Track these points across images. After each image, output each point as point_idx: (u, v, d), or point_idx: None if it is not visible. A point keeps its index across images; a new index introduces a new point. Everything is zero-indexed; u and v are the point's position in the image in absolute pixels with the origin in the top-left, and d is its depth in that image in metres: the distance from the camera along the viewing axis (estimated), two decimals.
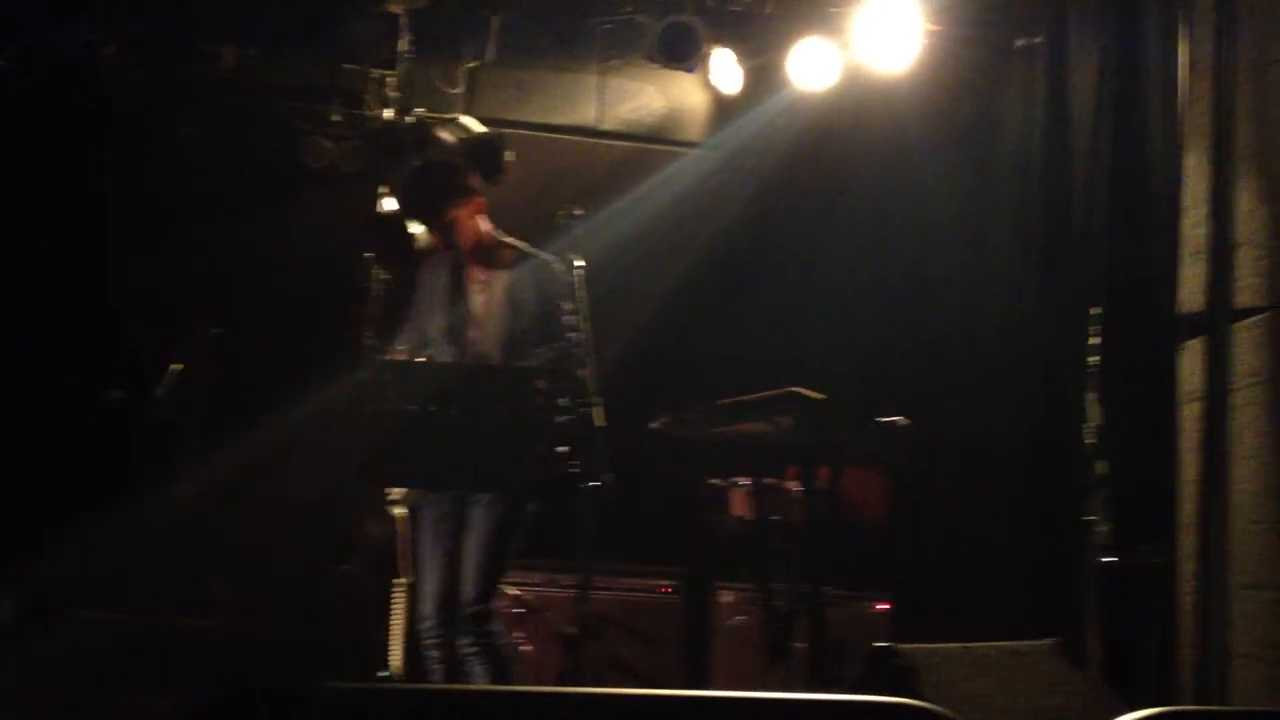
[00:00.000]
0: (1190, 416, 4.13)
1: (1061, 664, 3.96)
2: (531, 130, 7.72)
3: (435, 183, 5.04)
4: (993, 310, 6.03)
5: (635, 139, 7.84)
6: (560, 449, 4.00)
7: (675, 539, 6.60)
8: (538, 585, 6.32)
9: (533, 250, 5.02)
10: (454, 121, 7.50)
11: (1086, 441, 5.40)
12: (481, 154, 7.36)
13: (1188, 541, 4.08)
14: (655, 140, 7.85)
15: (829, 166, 7.34)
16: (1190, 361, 4.14)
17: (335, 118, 7.36)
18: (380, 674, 4.98)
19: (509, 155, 7.30)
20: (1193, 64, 4.22)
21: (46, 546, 6.30)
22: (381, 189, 7.42)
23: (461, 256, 5.12)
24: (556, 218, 4.66)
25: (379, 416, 3.97)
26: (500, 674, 4.82)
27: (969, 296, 6.17)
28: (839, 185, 7.32)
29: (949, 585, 6.06)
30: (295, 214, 7.25)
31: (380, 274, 7.35)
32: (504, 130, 7.53)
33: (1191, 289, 4.15)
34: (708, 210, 7.49)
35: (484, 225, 5.12)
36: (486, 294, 5.07)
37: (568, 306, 4.60)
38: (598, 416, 4.14)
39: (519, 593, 6.24)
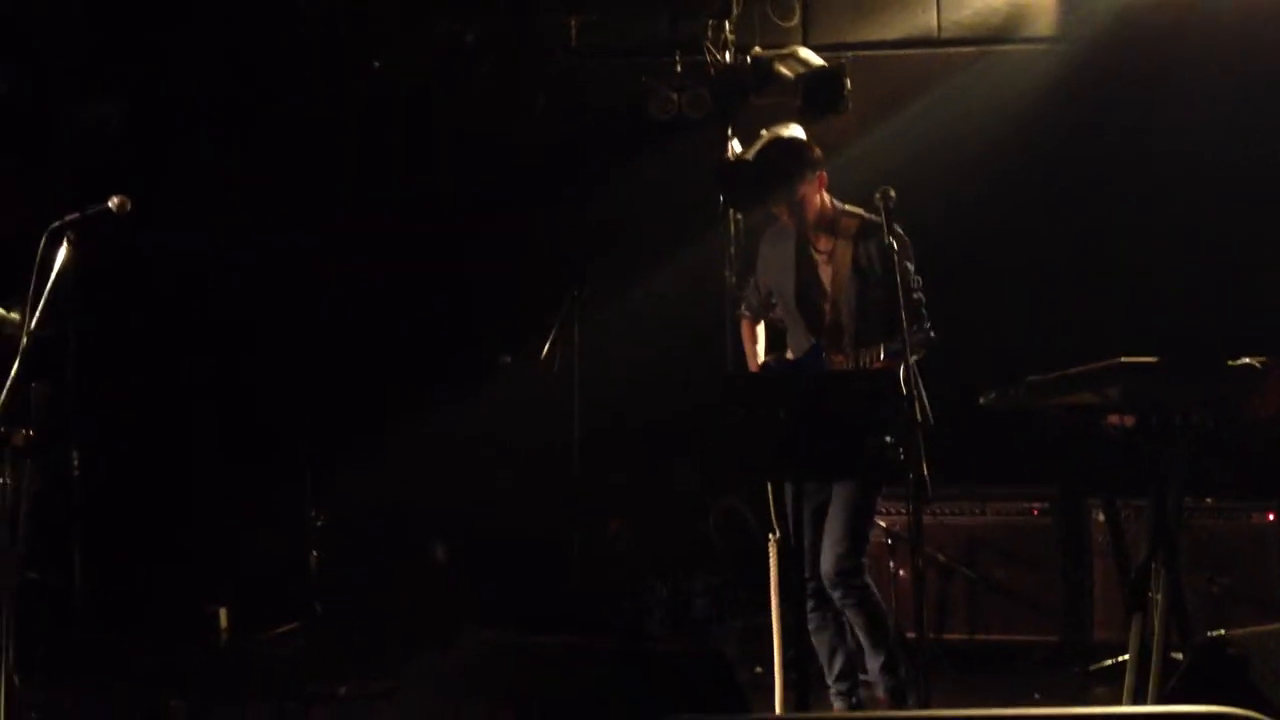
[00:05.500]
0: None
1: None
2: (870, 50, 7.68)
3: (784, 161, 5.20)
4: None
5: (978, 42, 7.65)
6: (887, 439, 4.16)
7: (1048, 457, 6.55)
8: (905, 513, 6.49)
9: (872, 217, 5.08)
10: (792, 55, 7.57)
11: None
12: (822, 88, 7.41)
13: None
14: (999, 41, 7.63)
15: (1180, 59, 6.95)
16: None
17: (677, 69, 7.59)
18: None
19: (848, 85, 7.33)
20: None
21: None
22: (729, 133, 7.65)
23: (805, 227, 5.27)
24: (874, 200, 4.74)
25: (728, 426, 4.25)
26: (873, 623, 5.07)
27: None
28: (1192, 78, 6.92)
29: None
30: (648, 167, 7.56)
31: (735, 216, 7.62)
32: (842, 56, 7.54)
33: None
34: (1055, 113, 7.26)
35: (826, 198, 5.25)
36: (833, 265, 5.20)
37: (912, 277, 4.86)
38: (919, 411, 4.28)
39: (887, 524, 6.45)
